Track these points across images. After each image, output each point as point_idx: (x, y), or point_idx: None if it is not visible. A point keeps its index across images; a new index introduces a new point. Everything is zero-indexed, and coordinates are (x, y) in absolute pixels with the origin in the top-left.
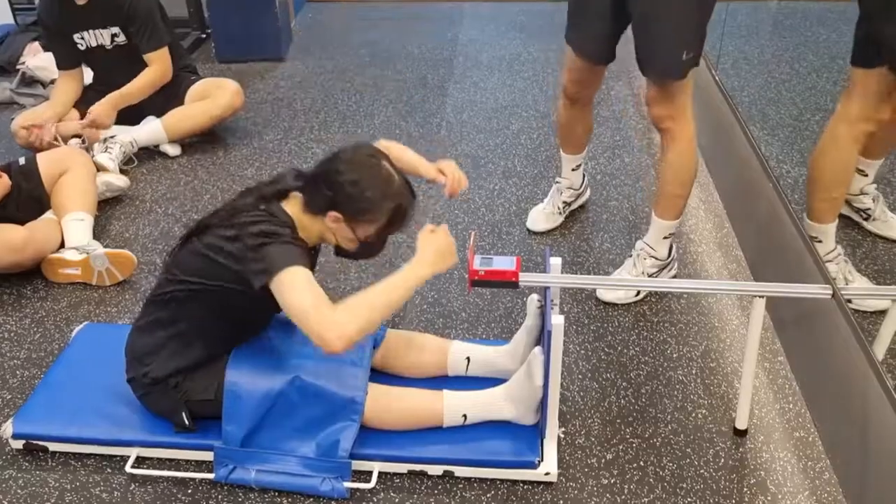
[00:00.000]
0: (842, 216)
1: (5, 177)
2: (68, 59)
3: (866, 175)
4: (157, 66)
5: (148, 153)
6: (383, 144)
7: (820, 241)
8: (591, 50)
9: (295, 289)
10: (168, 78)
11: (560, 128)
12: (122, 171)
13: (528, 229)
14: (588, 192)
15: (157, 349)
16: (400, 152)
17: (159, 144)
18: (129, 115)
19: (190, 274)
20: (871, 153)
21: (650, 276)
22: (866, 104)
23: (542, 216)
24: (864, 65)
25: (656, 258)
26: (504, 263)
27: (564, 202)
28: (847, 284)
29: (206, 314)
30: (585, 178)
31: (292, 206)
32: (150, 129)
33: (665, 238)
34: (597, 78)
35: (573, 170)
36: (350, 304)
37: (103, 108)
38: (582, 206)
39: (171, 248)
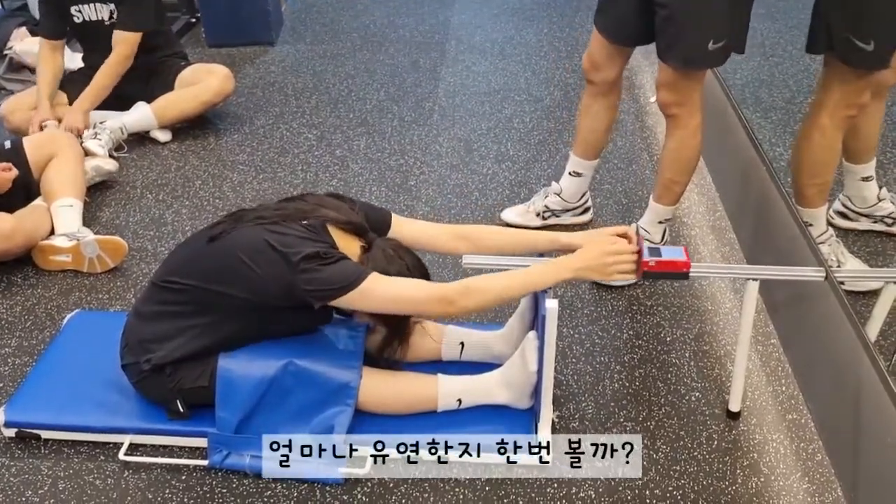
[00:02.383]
0: (864, 231)
1: (14, 170)
2: (57, 29)
3: (872, 178)
4: (121, 49)
5: (138, 139)
6: (485, 231)
7: (811, 225)
8: (610, 27)
9: (390, 284)
10: (129, 65)
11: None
12: (111, 158)
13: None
14: (588, 216)
15: (164, 338)
16: (513, 237)
17: (149, 130)
18: (119, 101)
19: (218, 275)
20: (858, 157)
21: None
22: (845, 90)
23: (516, 210)
24: (817, 52)
25: (649, 241)
26: (674, 254)
27: (546, 207)
28: (839, 265)
29: (227, 319)
30: (586, 198)
31: (341, 236)
32: (140, 115)
33: (660, 223)
34: (612, 61)
35: (570, 174)
36: (470, 283)
37: (73, 117)
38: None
39: (200, 233)
